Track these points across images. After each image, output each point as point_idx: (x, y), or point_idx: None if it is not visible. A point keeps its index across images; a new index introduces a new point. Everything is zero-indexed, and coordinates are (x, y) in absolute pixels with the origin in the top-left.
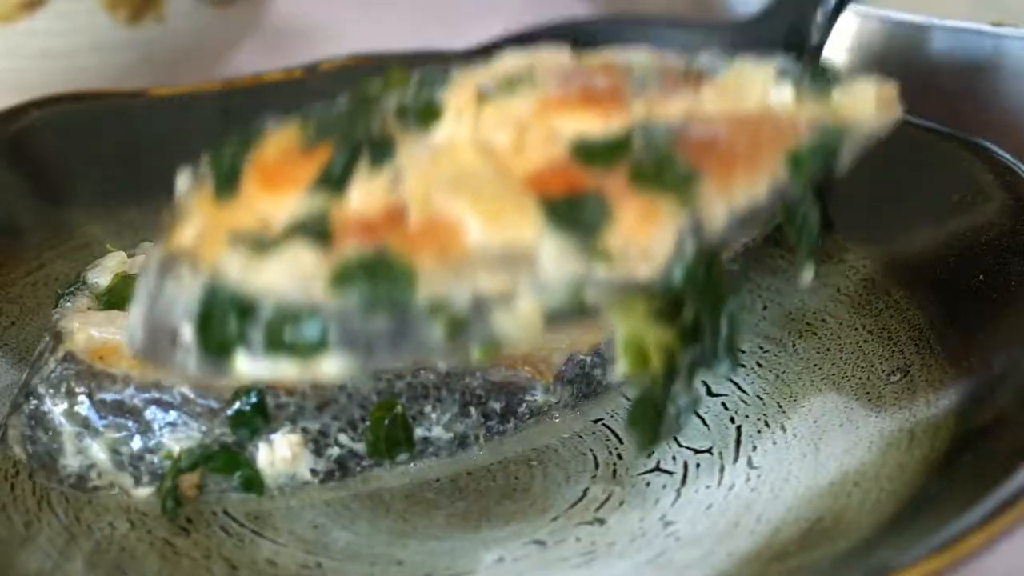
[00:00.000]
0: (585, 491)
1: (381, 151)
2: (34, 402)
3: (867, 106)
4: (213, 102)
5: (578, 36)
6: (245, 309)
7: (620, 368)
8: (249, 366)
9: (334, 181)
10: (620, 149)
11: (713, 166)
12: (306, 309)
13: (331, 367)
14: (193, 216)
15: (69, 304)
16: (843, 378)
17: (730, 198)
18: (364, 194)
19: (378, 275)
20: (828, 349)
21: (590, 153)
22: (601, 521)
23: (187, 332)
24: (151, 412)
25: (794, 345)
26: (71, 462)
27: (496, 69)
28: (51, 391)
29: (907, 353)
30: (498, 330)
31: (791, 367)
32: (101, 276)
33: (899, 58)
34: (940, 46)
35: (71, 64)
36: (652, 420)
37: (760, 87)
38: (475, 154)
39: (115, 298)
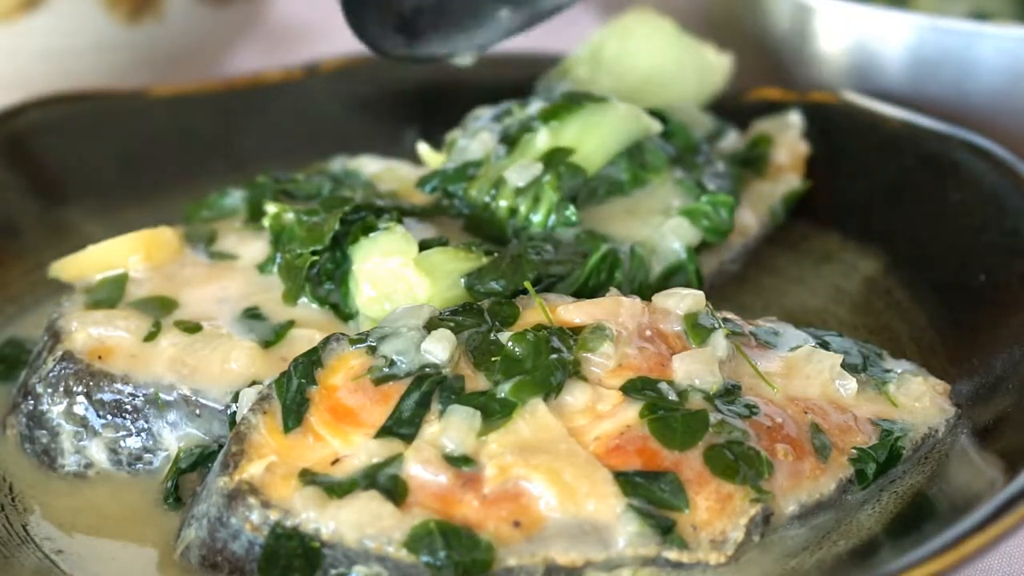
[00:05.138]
0: None
1: (451, 395)
2: (32, 401)
3: (923, 404)
4: (213, 102)
5: None
6: (311, 556)
7: None
8: None
9: (405, 429)
10: (697, 429)
11: (785, 457)
12: (373, 561)
13: None
14: (261, 447)
15: (67, 303)
16: None
17: (799, 492)
18: (437, 437)
19: (456, 541)
20: None
21: (666, 428)
22: None
23: (250, 569)
24: (150, 412)
25: None
26: (69, 461)
27: (564, 314)
28: (49, 391)
29: (908, 353)
30: None
31: None
32: (100, 276)
33: (899, 57)
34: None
35: (71, 64)
36: None
37: (826, 375)
38: (549, 414)
39: (114, 298)
